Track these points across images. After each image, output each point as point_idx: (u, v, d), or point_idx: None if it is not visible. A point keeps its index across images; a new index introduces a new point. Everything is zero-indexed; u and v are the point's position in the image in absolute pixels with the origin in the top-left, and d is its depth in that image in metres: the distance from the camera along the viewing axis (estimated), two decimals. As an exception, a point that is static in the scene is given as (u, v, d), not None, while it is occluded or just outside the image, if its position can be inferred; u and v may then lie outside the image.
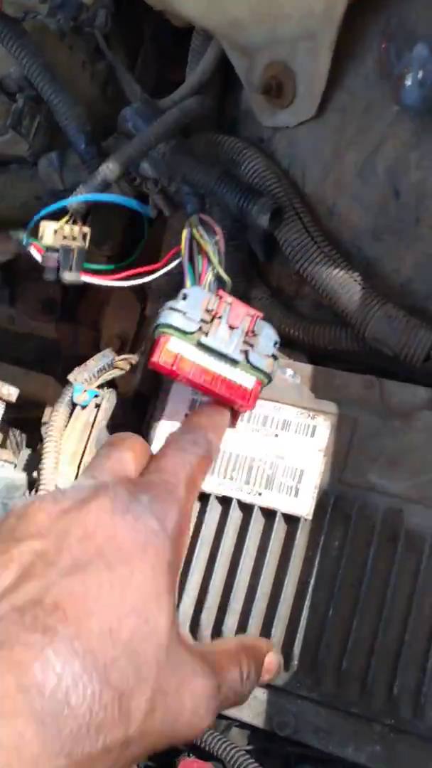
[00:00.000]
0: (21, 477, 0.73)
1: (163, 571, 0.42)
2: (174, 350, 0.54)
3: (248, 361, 0.55)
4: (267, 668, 0.50)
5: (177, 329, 0.54)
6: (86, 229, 0.67)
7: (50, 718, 0.35)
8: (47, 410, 0.96)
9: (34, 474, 0.70)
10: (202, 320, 0.54)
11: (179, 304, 0.54)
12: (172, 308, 0.54)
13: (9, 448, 0.81)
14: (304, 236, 0.68)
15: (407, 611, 0.61)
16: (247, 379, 0.56)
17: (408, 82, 0.60)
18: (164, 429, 0.68)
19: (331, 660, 0.61)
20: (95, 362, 0.74)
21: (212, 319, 0.55)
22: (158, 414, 0.69)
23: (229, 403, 0.57)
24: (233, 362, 0.55)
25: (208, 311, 0.55)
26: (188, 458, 0.50)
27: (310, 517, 0.64)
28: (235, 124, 0.75)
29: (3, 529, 0.43)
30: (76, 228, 0.66)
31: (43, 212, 0.65)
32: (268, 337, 0.57)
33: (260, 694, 0.64)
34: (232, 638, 0.51)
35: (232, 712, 0.64)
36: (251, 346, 0.56)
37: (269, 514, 0.65)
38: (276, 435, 0.66)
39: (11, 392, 0.70)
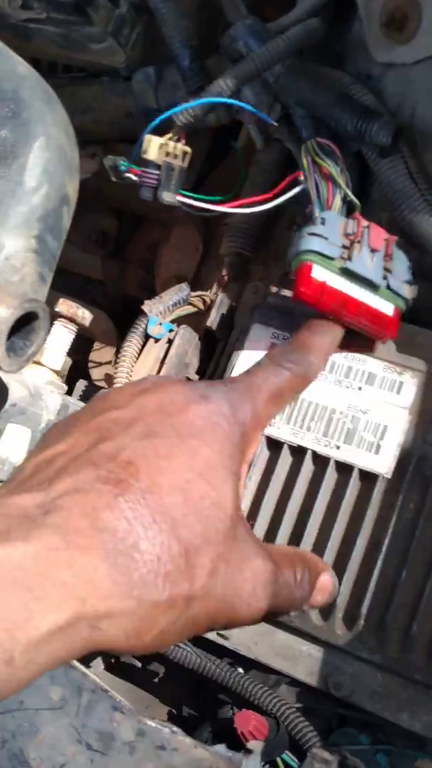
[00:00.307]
0: (80, 404, 0.70)
1: (230, 453, 0.43)
2: (319, 278, 0.51)
3: (389, 287, 0.53)
4: (321, 587, 0.49)
5: (320, 255, 0.50)
6: (188, 149, 0.62)
7: (122, 559, 0.36)
8: (97, 345, 0.93)
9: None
10: (343, 245, 0.51)
11: (318, 228, 0.51)
12: (312, 233, 0.50)
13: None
14: (407, 181, 0.64)
15: None
16: (386, 306, 0.53)
17: None
18: (242, 371, 0.65)
19: (399, 624, 0.59)
20: (170, 295, 0.70)
21: (351, 243, 0.52)
22: (235, 357, 0.66)
23: (370, 334, 0.55)
24: (374, 288, 0.52)
25: (346, 235, 0.52)
26: (281, 372, 0.50)
27: (389, 476, 0.61)
28: (341, 57, 0.71)
29: (86, 408, 0.46)
30: (179, 146, 0.62)
31: (149, 127, 0.60)
32: (402, 261, 0.54)
33: (315, 652, 0.62)
34: (288, 547, 0.51)
35: (285, 667, 0.62)
36: (389, 271, 0.53)
37: (345, 468, 0.62)
38: (359, 388, 0.63)
39: (85, 315, 0.67)
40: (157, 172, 0.61)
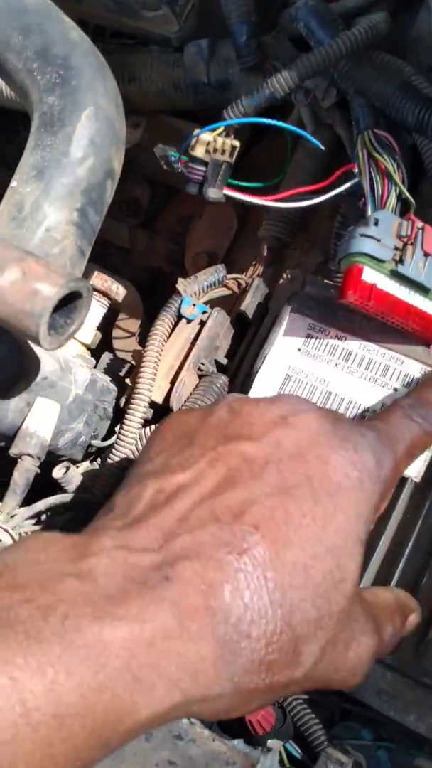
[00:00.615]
0: (107, 379, 0.69)
1: (365, 517, 0.40)
2: (369, 281, 0.50)
3: None
4: (407, 628, 0.47)
5: (371, 257, 0.49)
6: (237, 143, 0.61)
7: (229, 646, 0.34)
8: (122, 317, 0.92)
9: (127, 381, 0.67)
10: (395, 247, 0.50)
11: (371, 230, 0.49)
12: (364, 235, 0.49)
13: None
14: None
15: None
16: None
17: None
18: (275, 360, 0.64)
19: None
20: (206, 276, 0.69)
21: (404, 246, 0.50)
22: (268, 346, 0.65)
23: (420, 337, 0.54)
24: (426, 291, 0.51)
25: (399, 237, 0.50)
26: (414, 426, 0.46)
27: (417, 480, 0.60)
28: (403, 48, 0.68)
29: (213, 421, 0.41)
30: (228, 141, 0.60)
31: (204, 129, 0.59)
32: None
33: (327, 647, 0.62)
34: (387, 591, 0.48)
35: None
36: None
37: (373, 468, 0.62)
38: (395, 389, 0.62)
39: (119, 290, 0.66)
40: (203, 168, 0.60)
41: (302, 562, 0.37)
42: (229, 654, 0.34)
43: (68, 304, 0.47)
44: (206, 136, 0.60)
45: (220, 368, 0.71)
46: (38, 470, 0.59)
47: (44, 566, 0.33)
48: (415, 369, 0.62)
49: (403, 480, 0.61)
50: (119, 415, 0.68)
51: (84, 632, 0.30)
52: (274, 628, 0.35)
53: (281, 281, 0.70)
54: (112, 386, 0.68)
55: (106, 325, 0.82)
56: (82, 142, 0.55)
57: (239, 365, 0.71)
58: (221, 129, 0.61)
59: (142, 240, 1.07)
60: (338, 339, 0.64)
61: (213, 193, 0.62)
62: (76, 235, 0.56)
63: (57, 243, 0.54)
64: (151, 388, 0.65)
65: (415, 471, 0.60)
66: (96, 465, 0.69)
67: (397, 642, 0.45)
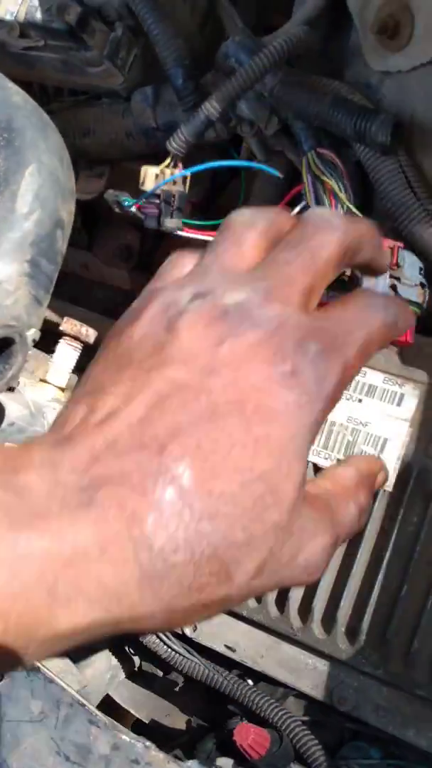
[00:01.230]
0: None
1: (303, 437, 0.38)
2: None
3: (397, 295, 0.52)
4: (378, 485, 0.43)
5: None
6: (187, 172, 0.63)
7: (153, 572, 0.33)
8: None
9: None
10: None
11: None
12: None
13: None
14: (406, 192, 0.63)
15: None
16: None
17: None
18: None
19: (401, 639, 0.59)
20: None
21: None
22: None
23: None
24: None
25: None
26: (373, 319, 0.41)
27: (390, 489, 0.61)
28: (340, 67, 0.70)
29: (150, 338, 0.38)
30: (177, 171, 0.63)
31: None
32: (413, 265, 0.54)
33: (321, 666, 0.62)
34: (347, 468, 0.45)
35: (290, 680, 0.62)
36: (398, 279, 0.53)
37: (346, 481, 0.62)
38: (360, 400, 0.63)
39: (89, 333, 0.68)
40: (157, 201, 0.62)
41: (230, 491, 0.35)
42: (155, 579, 0.34)
43: (5, 349, 0.50)
44: (153, 169, 0.63)
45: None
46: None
47: None
48: (377, 379, 0.63)
49: (376, 492, 0.61)
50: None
51: None
52: (201, 555, 0.35)
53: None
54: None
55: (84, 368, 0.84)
56: (27, 198, 0.59)
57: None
58: (168, 161, 0.64)
59: (142, 281, 1.10)
60: (302, 357, 0.65)
61: (170, 223, 0.64)
62: (29, 285, 0.58)
63: (10, 294, 0.57)
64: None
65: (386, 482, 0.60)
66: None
67: (365, 517, 0.44)
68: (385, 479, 0.47)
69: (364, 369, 0.63)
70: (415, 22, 0.61)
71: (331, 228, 0.42)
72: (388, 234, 0.69)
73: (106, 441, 0.36)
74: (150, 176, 0.64)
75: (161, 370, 0.38)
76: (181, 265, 0.46)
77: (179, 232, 0.66)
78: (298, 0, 0.69)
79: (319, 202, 0.61)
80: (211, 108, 0.62)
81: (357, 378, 0.63)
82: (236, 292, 0.40)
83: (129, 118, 0.71)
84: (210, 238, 0.63)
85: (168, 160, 0.65)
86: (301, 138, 0.66)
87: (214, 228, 0.65)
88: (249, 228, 0.44)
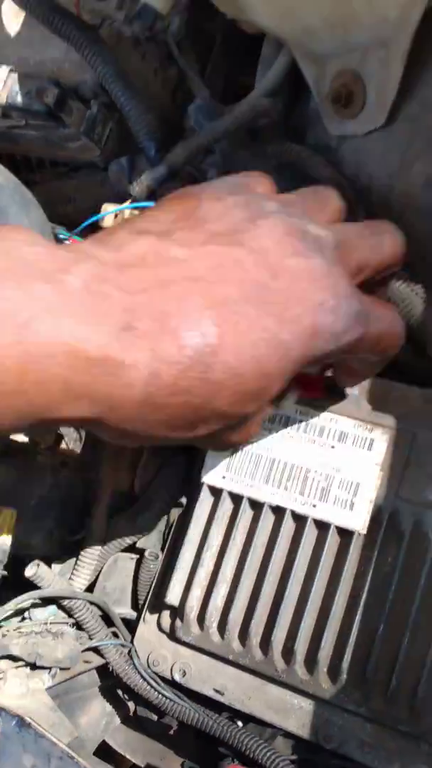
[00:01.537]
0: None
1: (305, 360, 0.46)
2: None
3: None
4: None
5: None
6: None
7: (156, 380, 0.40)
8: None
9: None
10: None
11: None
12: None
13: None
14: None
15: (460, 632, 0.60)
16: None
17: None
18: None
19: (380, 677, 0.61)
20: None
21: None
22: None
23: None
24: None
25: None
26: (394, 324, 0.55)
27: (364, 532, 0.63)
28: (303, 132, 0.75)
29: (225, 221, 0.46)
30: (138, 213, 0.67)
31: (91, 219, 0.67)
32: None
33: (306, 705, 0.64)
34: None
35: (277, 720, 0.64)
36: None
37: (323, 526, 0.65)
38: (332, 447, 0.66)
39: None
40: None
41: (240, 372, 0.42)
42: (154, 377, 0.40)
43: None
44: (110, 206, 0.68)
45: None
46: (5, 572, 0.64)
47: (22, 263, 0.38)
48: (348, 425, 0.66)
49: (350, 533, 0.63)
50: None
51: (38, 331, 0.36)
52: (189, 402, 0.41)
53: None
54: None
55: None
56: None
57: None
58: (128, 210, 0.68)
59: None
60: (275, 408, 0.68)
61: None
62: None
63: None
64: (114, 478, 0.70)
65: (359, 524, 0.63)
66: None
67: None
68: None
69: (334, 417, 0.66)
70: (366, 91, 0.65)
71: (399, 239, 0.56)
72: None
73: (159, 283, 0.41)
74: (109, 216, 0.69)
75: (231, 247, 0.44)
76: (265, 184, 0.54)
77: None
78: (259, 72, 0.73)
79: None
80: (172, 158, 0.67)
81: (329, 426, 0.66)
82: (317, 228, 0.49)
83: (107, 187, 0.76)
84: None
85: (129, 201, 0.69)
86: None
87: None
88: (334, 200, 0.53)
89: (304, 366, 0.47)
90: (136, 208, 0.68)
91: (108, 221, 0.67)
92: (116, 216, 0.67)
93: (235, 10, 0.68)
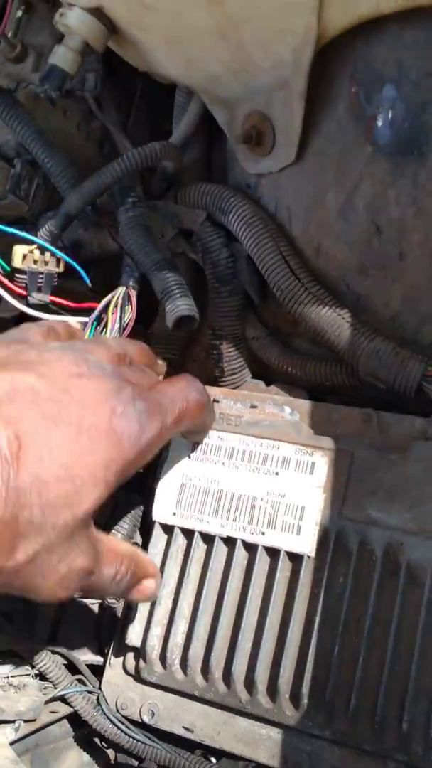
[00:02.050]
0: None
1: (115, 469, 0.49)
2: None
3: None
4: (141, 588, 0.58)
5: None
6: (60, 255, 0.71)
7: None
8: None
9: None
10: None
11: None
12: None
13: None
14: (291, 279, 0.69)
15: (413, 645, 0.60)
16: None
17: (379, 123, 0.62)
18: (170, 472, 0.70)
19: (341, 697, 0.61)
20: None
21: None
22: (162, 460, 0.71)
23: None
24: None
25: None
26: (190, 398, 0.57)
27: (312, 555, 0.64)
28: (223, 172, 0.77)
29: (19, 356, 0.50)
30: (47, 254, 0.70)
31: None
32: None
33: (275, 734, 0.64)
34: (129, 545, 0.59)
35: (247, 753, 0.64)
36: None
37: (273, 553, 0.66)
38: (276, 473, 0.67)
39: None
40: (24, 276, 0.69)
41: (45, 478, 0.44)
42: None
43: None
44: (21, 248, 0.70)
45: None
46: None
47: None
48: (290, 451, 0.67)
49: (300, 557, 0.64)
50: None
51: None
52: (1, 516, 0.42)
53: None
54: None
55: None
56: None
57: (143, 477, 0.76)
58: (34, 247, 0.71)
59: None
60: (220, 439, 0.70)
61: (35, 297, 0.71)
62: None
63: None
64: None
65: (308, 547, 0.64)
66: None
67: (121, 589, 0.56)
68: (154, 591, 0.60)
69: (275, 443, 0.67)
70: (275, 129, 0.68)
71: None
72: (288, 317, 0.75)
73: None
74: (18, 254, 0.71)
75: (25, 374, 0.47)
76: (39, 334, 0.58)
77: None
78: (175, 118, 0.76)
79: (98, 321, 0.71)
80: (69, 205, 0.71)
81: (272, 453, 0.68)
82: (97, 355, 0.52)
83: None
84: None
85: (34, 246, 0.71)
86: (123, 271, 0.73)
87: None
88: (114, 345, 0.57)
89: (122, 471, 0.50)
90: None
91: (17, 260, 0.70)
92: (24, 257, 0.70)
93: (143, 63, 0.71)
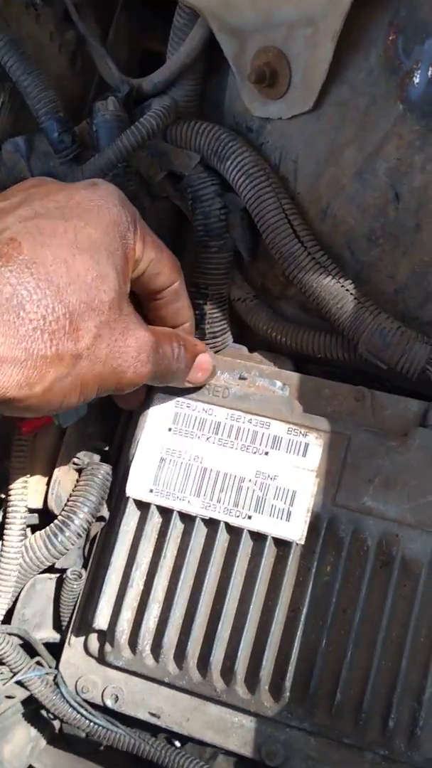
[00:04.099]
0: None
1: (115, 236, 0.48)
2: None
3: None
4: (199, 365, 0.60)
5: None
6: None
7: (8, 316, 0.42)
8: None
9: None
10: None
11: None
12: None
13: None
14: (293, 241, 0.63)
15: (402, 640, 0.58)
16: None
17: (416, 80, 0.55)
18: (148, 444, 0.64)
19: (324, 691, 0.59)
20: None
21: None
22: (139, 429, 0.65)
23: None
24: None
25: None
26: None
27: (302, 542, 0.60)
28: (220, 109, 0.69)
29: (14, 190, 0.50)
30: None
31: None
32: None
33: (247, 722, 0.61)
34: (164, 327, 0.59)
35: (218, 740, 0.62)
36: None
37: (259, 538, 0.62)
38: (266, 453, 0.62)
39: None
40: None
41: (62, 258, 0.45)
42: (10, 322, 0.42)
43: None
44: None
45: (101, 453, 0.70)
46: None
47: None
48: (282, 430, 0.63)
49: (288, 544, 0.61)
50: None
51: None
52: (47, 303, 0.43)
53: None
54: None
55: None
56: None
57: (120, 448, 0.70)
58: None
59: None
60: (205, 412, 0.64)
61: None
62: None
63: None
64: (24, 495, 0.64)
65: (297, 534, 0.60)
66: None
67: (182, 369, 0.58)
68: (213, 365, 0.61)
69: (267, 421, 0.63)
70: (292, 71, 0.60)
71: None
72: (280, 276, 0.69)
73: None
74: None
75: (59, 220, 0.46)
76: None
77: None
78: (171, 43, 0.66)
79: None
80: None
81: (262, 431, 0.63)
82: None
83: (1, 170, 0.67)
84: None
85: None
86: None
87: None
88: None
89: (127, 273, 0.51)
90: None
91: None
92: None
93: (145, -27, 0.60)
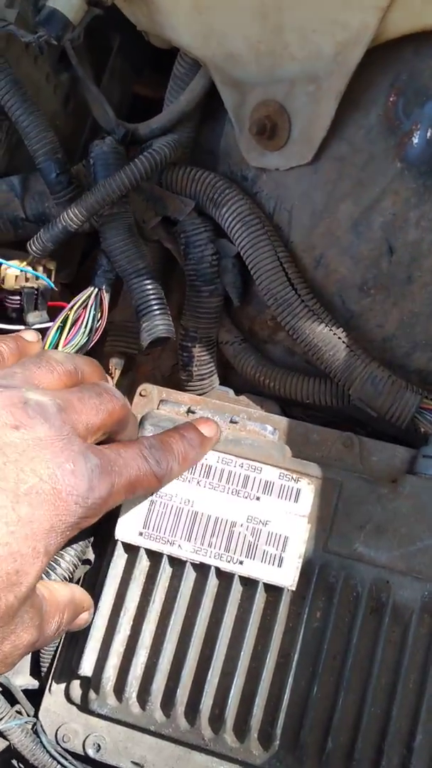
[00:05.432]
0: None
1: (59, 533, 0.44)
2: None
3: None
4: (78, 623, 0.56)
5: None
6: (51, 265, 0.62)
7: None
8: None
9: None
10: None
11: None
12: None
13: None
14: (287, 288, 0.64)
15: (392, 686, 0.59)
16: None
17: (415, 140, 0.58)
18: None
19: (314, 739, 0.59)
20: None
21: None
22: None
23: None
24: None
25: None
26: (144, 466, 0.52)
27: (293, 588, 0.61)
28: (213, 156, 0.70)
29: None
30: (40, 267, 0.60)
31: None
32: None
33: (233, 771, 0.61)
34: (66, 587, 0.55)
35: (205, 791, 0.61)
36: None
37: (249, 583, 0.62)
38: (258, 498, 0.63)
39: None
40: (18, 297, 0.59)
41: None
42: None
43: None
44: (15, 270, 0.62)
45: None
46: None
47: None
48: (273, 474, 0.63)
49: (279, 590, 0.61)
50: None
51: None
52: None
53: (135, 399, 0.70)
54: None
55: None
56: None
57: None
58: (30, 259, 0.62)
59: None
60: (196, 456, 0.64)
61: (33, 318, 0.63)
62: None
63: None
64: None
65: (288, 580, 0.61)
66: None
67: (61, 633, 0.53)
68: (87, 619, 0.57)
69: (258, 465, 0.63)
70: (292, 124, 0.62)
71: (119, 400, 0.52)
72: (269, 322, 0.70)
73: None
74: (10, 276, 0.62)
75: None
76: None
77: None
78: (170, 90, 0.67)
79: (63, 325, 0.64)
80: (68, 219, 0.61)
81: (253, 475, 0.63)
82: (38, 395, 0.46)
83: (-7, 209, 0.67)
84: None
85: (27, 261, 0.63)
86: (95, 274, 0.66)
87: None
88: (64, 363, 0.50)
89: (64, 535, 0.46)
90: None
91: (9, 282, 0.62)
92: (17, 278, 0.61)
93: (149, 23, 0.62)
